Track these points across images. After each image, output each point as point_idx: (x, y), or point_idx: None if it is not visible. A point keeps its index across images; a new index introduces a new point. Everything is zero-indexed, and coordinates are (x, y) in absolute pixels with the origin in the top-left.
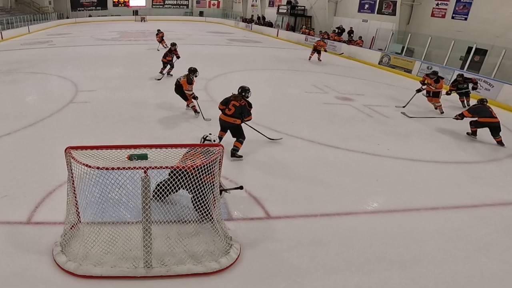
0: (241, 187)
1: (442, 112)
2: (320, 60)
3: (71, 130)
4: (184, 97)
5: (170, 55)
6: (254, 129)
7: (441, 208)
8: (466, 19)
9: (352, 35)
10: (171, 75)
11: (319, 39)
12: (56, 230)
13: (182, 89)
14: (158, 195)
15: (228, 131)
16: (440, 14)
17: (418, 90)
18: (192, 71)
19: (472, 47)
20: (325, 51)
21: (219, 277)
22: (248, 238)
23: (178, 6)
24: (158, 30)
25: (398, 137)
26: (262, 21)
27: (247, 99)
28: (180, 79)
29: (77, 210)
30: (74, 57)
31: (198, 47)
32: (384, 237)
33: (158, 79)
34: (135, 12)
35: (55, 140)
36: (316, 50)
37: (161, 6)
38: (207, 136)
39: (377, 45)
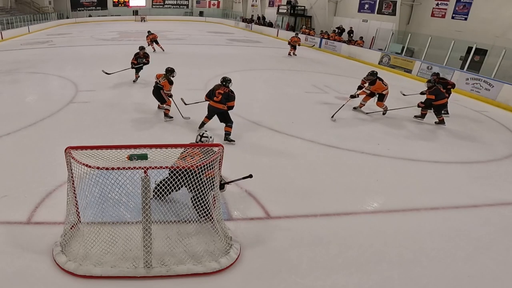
0: (250, 176)
1: (384, 113)
2: (295, 55)
3: (71, 130)
4: (162, 99)
5: (134, 58)
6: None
7: (441, 208)
8: (466, 19)
9: (352, 35)
10: (135, 80)
11: (293, 35)
12: (56, 230)
13: (160, 91)
14: (158, 194)
15: (215, 118)
16: (440, 14)
17: (352, 96)
18: (170, 71)
19: (472, 47)
20: (299, 45)
21: (219, 277)
22: (248, 238)
23: (178, 6)
24: (149, 32)
25: (398, 137)
26: (262, 21)
27: (229, 88)
28: (159, 81)
29: (77, 210)
30: (74, 57)
31: (198, 47)
32: (384, 237)
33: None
34: (135, 12)
35: (55, 140)
36: (292, 45)
37: (161, 6)
38: (203, 133)
39: (377, 45)
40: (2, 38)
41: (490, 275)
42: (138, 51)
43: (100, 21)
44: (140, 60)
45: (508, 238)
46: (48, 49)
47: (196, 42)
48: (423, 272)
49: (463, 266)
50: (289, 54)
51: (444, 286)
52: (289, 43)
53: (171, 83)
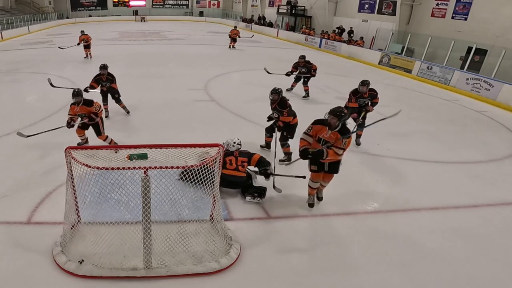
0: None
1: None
2: (235, 47)
3: (71, 130)
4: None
5: (94, 81)
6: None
7: (441, 208)
8: (466, 19)
9: (352, 35)
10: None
11: (233, 28)
12: (56, 230)
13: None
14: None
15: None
16: (440, 14)
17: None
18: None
19: (472, 47)
20: (239, 37)
21: (219, 277)
22: (248, 238)
23: (178, 6)
24: (82, 32)
25: (398, 137)
26: (262, 21)
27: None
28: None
29: (77, 210)
30: (74, 57)
31: (198, 47)
32: (384, 237)
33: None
34: (135, 12)
35: (55, 140)
36: (232, 38)
37: (161, 6)
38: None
39: (377, 45)
40: (2, 38)
41: (490, 275)
42: (99, 71)
43: (100, 21)
44: (104, 84)
45: (508, 238)
46: (48, 49)
47: (196, 42)
48: (423, 272)
49: (463, 266)
50: (230, 47)
51: (444, 286)
52: (229, 36)
53: (89, 105)
